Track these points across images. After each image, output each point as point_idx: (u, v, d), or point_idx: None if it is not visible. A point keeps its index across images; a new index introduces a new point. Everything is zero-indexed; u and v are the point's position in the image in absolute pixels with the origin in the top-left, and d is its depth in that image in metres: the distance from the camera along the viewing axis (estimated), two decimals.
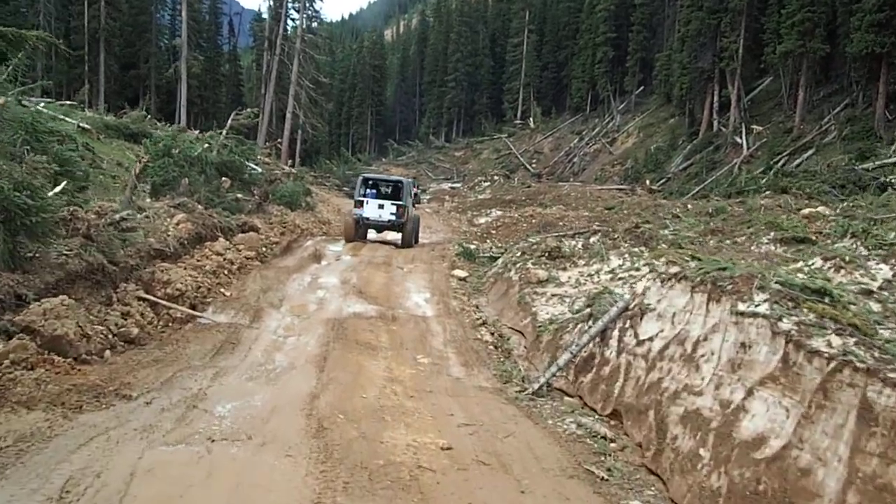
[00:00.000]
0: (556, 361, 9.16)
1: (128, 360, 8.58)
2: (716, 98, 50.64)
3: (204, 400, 7.46)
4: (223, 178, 19.73)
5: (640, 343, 7.97)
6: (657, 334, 7.75)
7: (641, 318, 8.20)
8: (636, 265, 13.79)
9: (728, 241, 14.86)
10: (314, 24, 57.81)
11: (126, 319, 9.78)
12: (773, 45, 44.00)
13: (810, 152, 38.90)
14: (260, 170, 33.62)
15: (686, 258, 9.57)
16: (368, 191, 22.68)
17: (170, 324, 10.60)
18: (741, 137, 46.23)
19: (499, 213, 37.01)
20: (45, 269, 9.20)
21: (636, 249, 14.92)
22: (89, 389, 7.11)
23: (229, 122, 22.97)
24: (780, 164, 39.58)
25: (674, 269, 8.98)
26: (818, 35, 39.88)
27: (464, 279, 17.86)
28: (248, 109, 24.11)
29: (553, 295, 13.61)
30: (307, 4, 56.55)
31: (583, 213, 27.11)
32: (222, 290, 13.09)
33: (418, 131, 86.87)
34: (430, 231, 31.28)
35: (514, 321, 13.38)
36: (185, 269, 12.53)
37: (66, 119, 28.99)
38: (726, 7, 46.97)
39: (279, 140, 52.58)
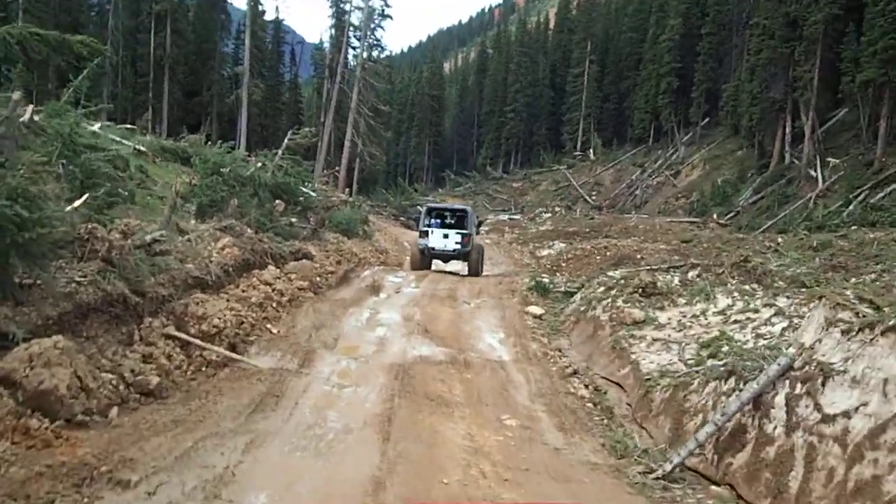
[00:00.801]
0: (695, 435, 6.89)
1: (138, 422, 6.53)
2: (788, 129, 48.02)
3: (230, 485, 5.40)
4: (276, 201, 17.88)
5: (826, 419, 5.69)
6: (856, 409, 5.48)
7: (823, 384, 5.93)
8: (752, 305, 11.53)
9: (854, 279, 12.52)
10: (374, 53, 56.61)
11: (147, 364, 7.80)
12: (852, 74, 41.56)
13: (894, 186, 36.18)
14: (316, 195, 32.06)
15: (851, 300, 7.27)
16: (433, 221, 22.28)
17: (203, 368, 8.60)
18: (816, 170, 43.64)
19: (562, 245, 34.89)
20: (46, 299, 7.27)
21: (747, 287, 12.60)
22: (72, 472, 5.05)
23: (285, 141, 21.20)
24: (860, 198, 37.06)
25: (844, 314, 6.70)
26: None
27: (539, 317, 15.66)
28: (306, 129, 22.32)
29: (654, 339, 11.35)
30: (368, 33, 55.33)
31: (659, 245, 24.78)
32: (269, 326, 11.08)
33: (476, 162, 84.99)
34: (491, 263, 29.28)
35: (608, 370, 11.15)
36: (227, 300, 10.56)
37: (124, 141, 27.71)
38: (800, 35, 44.46)
39: (337, 168, 51.16)
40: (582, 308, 14.88)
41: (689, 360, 10.07)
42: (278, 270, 13.82)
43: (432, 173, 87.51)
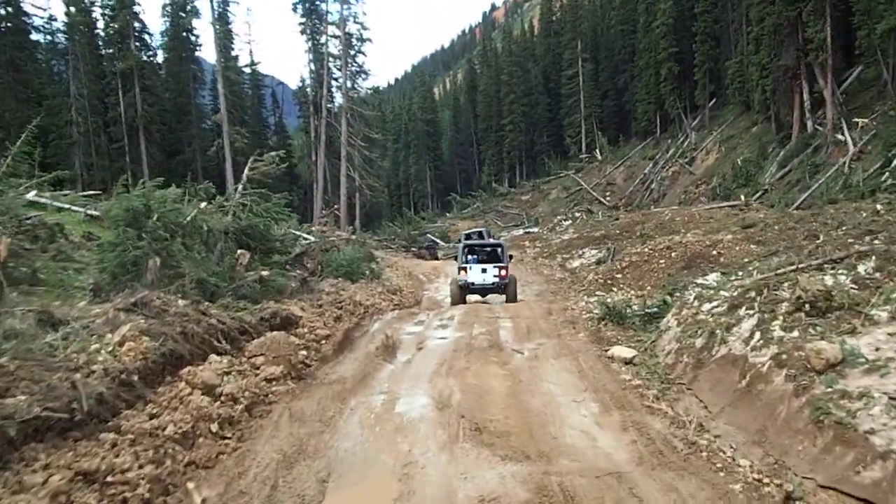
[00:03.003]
0: None
1: None
2: (805, 96, 42.93)
3: None
4: (240, 252, 12.60)
5: None
6: None
7: None
8: None
9: None
10: (359, 81, 51.31)
11: None
12: (867, 27, 36.80)
13: None
14: (313, 238, 27.11)
15: None
16: (470, 257, 21.59)
17: None
18: (843, 134, 38.66)
19: (594, 251, 29.91)
20: None
21: None
22: None
23: (246, 172, 15.84)
24: None
25: None
26: None
27: (631, 361, 10.26)
28: (272, 153, 17.01)
29: (893, 398, 5.98)
30: (349, 61, 50.21)
31: (726, 236, 19.27)
32: (192, 483, 5.73)
33: (480, 181, 79.61)
34: (521, 283, 24.30)
35: (833, 472, 5.75)
36: (86, 452, 5.27)
37: (73, 207, 23.12)
38: None
39: (336, 206, 46.08)
40: (696, 342, 9.47)
41: None
42: (230, 358, 8.48)
43: (437, 199, 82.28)
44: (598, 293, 17.49)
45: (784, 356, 7.28)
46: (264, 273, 12.64)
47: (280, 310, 11.54)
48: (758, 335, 8.11)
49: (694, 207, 35.90)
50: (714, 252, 16.70)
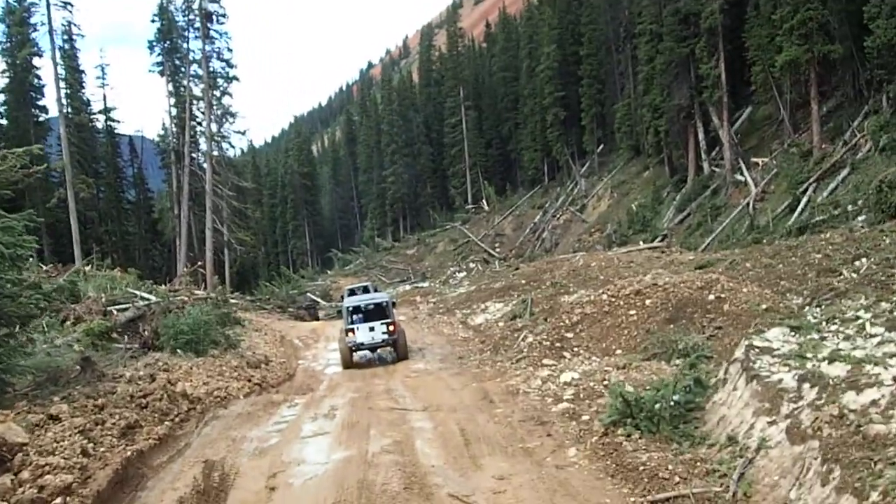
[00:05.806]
0: None
1: None
2: (701, 136, 39.42)
3: None
4: None
5: None
6: None
7: None
8: None
9: None
10: (226, 125, 44.20)
11: None
12: (762, 62, 33.55)
13: (845, 172, 27.78)
14: (154, 297, 20.65)
15: None
16: (356, 317, 19.80)
17: None
18: (743, 174, 35.11)
19: (499, 304, 24.81)
20: None
21: None
22: None
23: None
24: (808, 191, 28.75)
25: None
26: (819, 38, 29.07)
27: None
28: (12, 152, 10.29)
29: None
30: (214, 102, 43.27)
31: (712, 275, 13.70)
32: None
33: (362, 236, 73.49)
34: (419, 346, 20.09)
35: None
36: None
37: None
38: (696, 32, 36.46)
39: (200, 263, 38.75)
40: None
41: None
42: None
43: (317, 255, 75.46)
44: (545, 361, 11.56)
45: None
46: None
47: None
48: None
49: (610, 251, 30.93)
50: (711, 297, 11.15)
